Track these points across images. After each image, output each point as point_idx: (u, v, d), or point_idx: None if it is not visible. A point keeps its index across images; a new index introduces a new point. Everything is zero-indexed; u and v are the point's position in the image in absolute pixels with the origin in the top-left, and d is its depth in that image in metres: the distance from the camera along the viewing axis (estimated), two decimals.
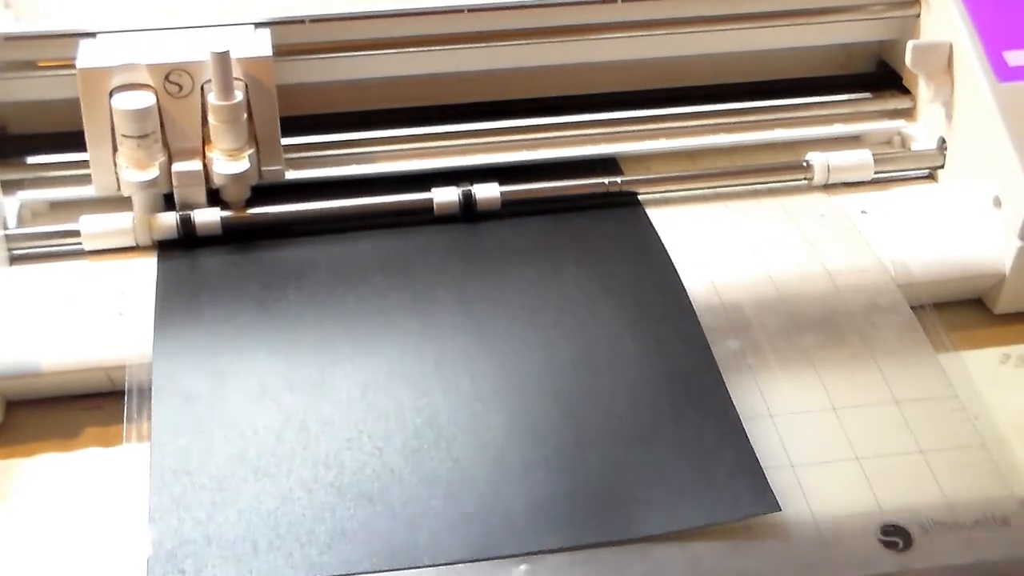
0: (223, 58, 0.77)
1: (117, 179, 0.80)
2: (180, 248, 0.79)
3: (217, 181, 0.80)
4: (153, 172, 0.78)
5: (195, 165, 0.80)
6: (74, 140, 0.83)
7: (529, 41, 0.88)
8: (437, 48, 0.86)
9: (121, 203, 0.81)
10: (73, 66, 0.80)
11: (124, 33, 0.81)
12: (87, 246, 0.80)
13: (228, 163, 0.79)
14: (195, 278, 0.77)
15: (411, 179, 0.85)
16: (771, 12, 0.90)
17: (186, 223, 0.79)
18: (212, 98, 0.78)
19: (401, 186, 0.83)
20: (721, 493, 0.64)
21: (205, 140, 0.80)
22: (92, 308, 0.75)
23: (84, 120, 0.79)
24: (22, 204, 0.83)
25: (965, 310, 0.81)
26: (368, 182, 0.85)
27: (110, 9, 0.85)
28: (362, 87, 0.88)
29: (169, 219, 0.79)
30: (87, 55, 0.79)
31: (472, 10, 0.86)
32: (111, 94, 0.78)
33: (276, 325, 0.73)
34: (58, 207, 0.84)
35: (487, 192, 0.82)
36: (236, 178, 0.79)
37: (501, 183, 0.83)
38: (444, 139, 0.88)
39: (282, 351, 0.71)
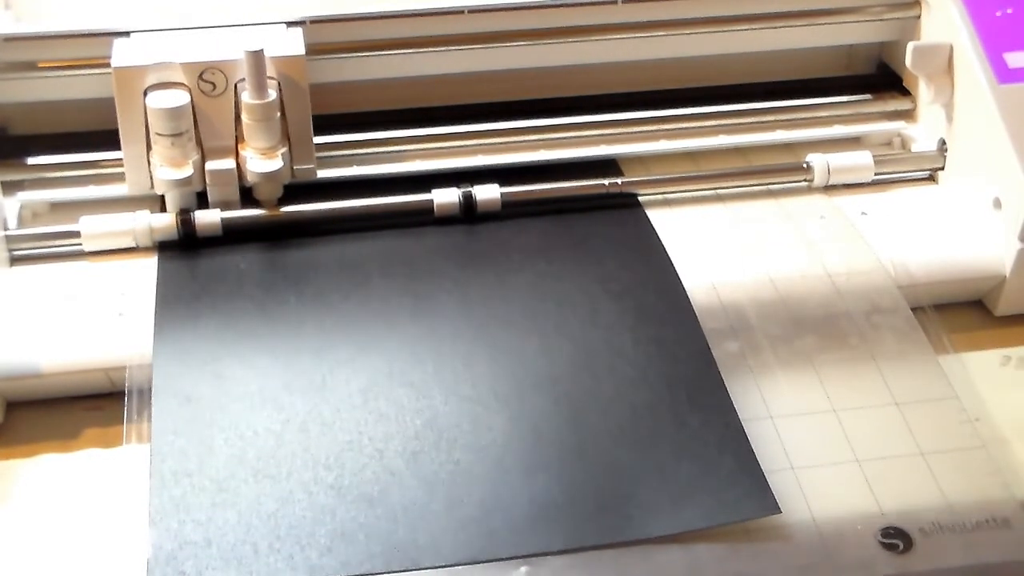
0: (257, 56, 0.77)
1: (151, 177, 0.80)
2: (180, 249, 0.79)
3: (250, 179, 0.80)
4: (187, 171, 0.79)
5: (228, 164, 0.80)
6: (75, 141, 0.84)
7: (528, 42, 0.88)
8: (437, 49, 0.86)
9: (123, 204, 0.82)
10: (76, 67, 0.81)
11: (157, 32, 0.81)
12: (87, 247, 0.79)
13: (262, 161, 0.79)
14: (195, 279, 0.77)
15: (410, 180, 0.85)
16: (771, 14, 0.90)
17: (186, 224, 0.79)
18: (246, 96, 0.78)
19: (401, 187, 0.83)
20: (721, 495, 0.64)
21: (238, 139, 0.80)
22: (92, 308, 0.75)
23: (118, 118, 0.79)
24: (22, 205, 0.83)
25: (966, 312, 0.81)
26: (367, 183, 0.84)
27: (105, 10, 0.85)
28: (360, 88, 0.88)
29: (169, 220, 0.79)
30: (121, 54, 0.79)
31: (472, 11, 0.86)
32: (145, 93, 0.78)
33: (276, 327, 0.73)
34: (58, 208, 0.84)
35: (487, 193, 0.82)
36: (269, 176, 0.80)
37: (501, 184, 0.83)
38: (444, 140, 0.88)
39: (282, 353, 0.71)
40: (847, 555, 0.62)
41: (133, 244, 0.80)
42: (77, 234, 0.79)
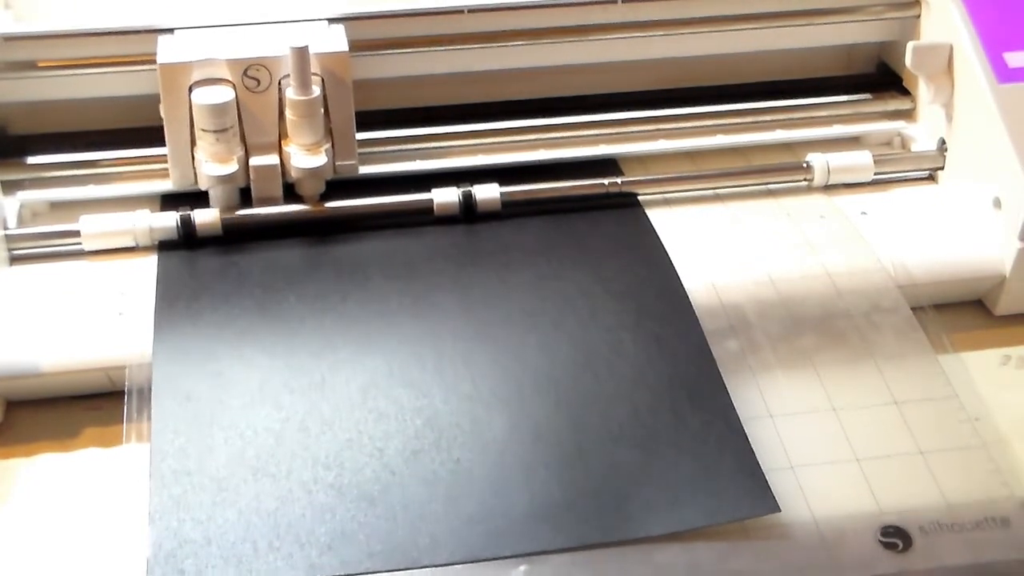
0: (302, 53, 0.77)
1: (195, 173, 0.80)
2: (180, 248, 0.79)
3: (294, 175, 0.80)
4: (232, 166, 0.79)
5: (272, 159, 0.80)
6: (74, 140, 0.84)
7: (528, 42, 0.88)
8: (437, 48, 0.86)
9: (123, 204, 0.82)
10: (74, 66, 0.81)
11: (202, 29, 0.82)
12: (87, 246, 0.80)
13: (306, 157, 0.80)
14: (195, 279, 0.77)
15: (410, 180, 0.85)
16: (771, 13, 0.90)
17: (186, 223, 0.79)
18: (290, 93, 0.78)
19: (400, 187, 0.83)
20: (721, 494, 0.64)
21: (282, 135, 0.80)
22: (92, 308, 0.75)
23: (163, 114, 0.79)
24: (22, 204, 0.83)
25: (965, 311, 0.81)
26: (366, 183, 0.84)
27: (107, 8, 0.85)
28: (358, 88, 0.88)
29: (169, 219, 0.79)
30: (167, 50, 0.79)
31: (472, 11, 0.86)
32: (190, 89, 0.78)
33: (276, 326, 0.73)
34: (58, 207, 0.84)
35: (487, 193, 0.82)
36: (313, 172, 0.80)
37: (501, 184, 0.83)
38: (444, 140, 0.88)
39: (282, 352, 0.71)
40: (847, 554, 0.62)
41: (133, 244, 0.80)
42: (77, 234, 0.79)
